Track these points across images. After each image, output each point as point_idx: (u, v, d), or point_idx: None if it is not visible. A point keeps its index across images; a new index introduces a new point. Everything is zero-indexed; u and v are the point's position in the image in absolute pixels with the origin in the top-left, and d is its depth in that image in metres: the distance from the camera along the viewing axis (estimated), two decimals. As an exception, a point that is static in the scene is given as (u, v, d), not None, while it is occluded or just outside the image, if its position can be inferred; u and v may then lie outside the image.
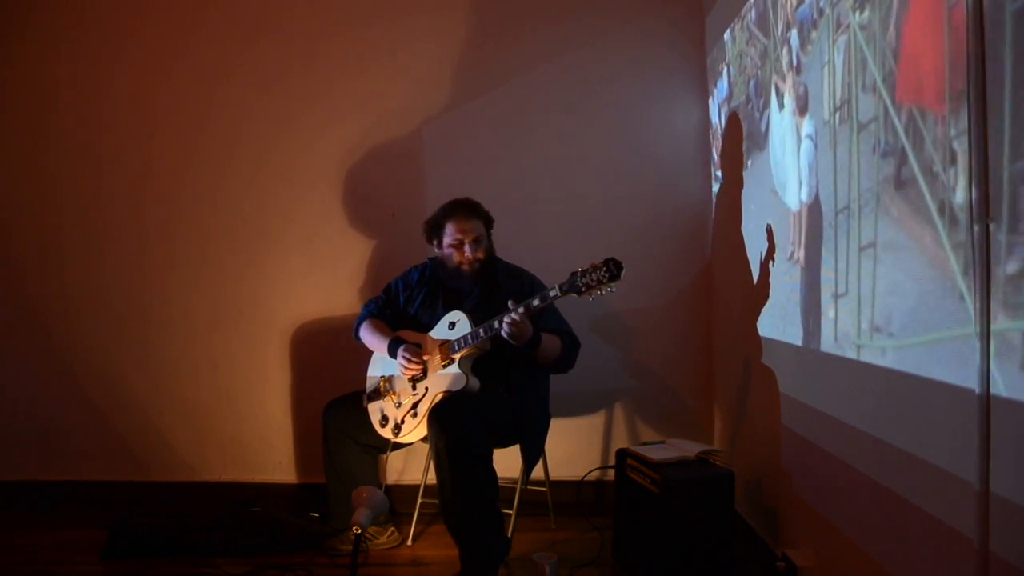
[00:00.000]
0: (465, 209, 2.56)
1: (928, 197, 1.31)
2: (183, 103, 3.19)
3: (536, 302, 2.22)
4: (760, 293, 2.37)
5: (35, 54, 3.22)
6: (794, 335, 2.08)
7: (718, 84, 2.91)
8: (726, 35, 2.76)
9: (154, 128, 3.20)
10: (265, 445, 3.19)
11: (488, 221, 2.62)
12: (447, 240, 2.55)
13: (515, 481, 2.61)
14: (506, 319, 2.23)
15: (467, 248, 2.53)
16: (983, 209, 1.17)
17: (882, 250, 1.50)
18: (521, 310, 2.23)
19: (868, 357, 1.57)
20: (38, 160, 3.23)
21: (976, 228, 1.18)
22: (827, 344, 1.80)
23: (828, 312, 1.79)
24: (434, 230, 2.60)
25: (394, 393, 2.56)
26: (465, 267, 2.55)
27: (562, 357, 2.48)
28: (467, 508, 2.22)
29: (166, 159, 3.20)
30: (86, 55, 3.21)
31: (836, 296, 1.74)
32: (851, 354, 1.65)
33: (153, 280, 3.21)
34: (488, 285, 2.57)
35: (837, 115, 1.71)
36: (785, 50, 2.08)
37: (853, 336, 1.63)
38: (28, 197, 3.23)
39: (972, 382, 1.20)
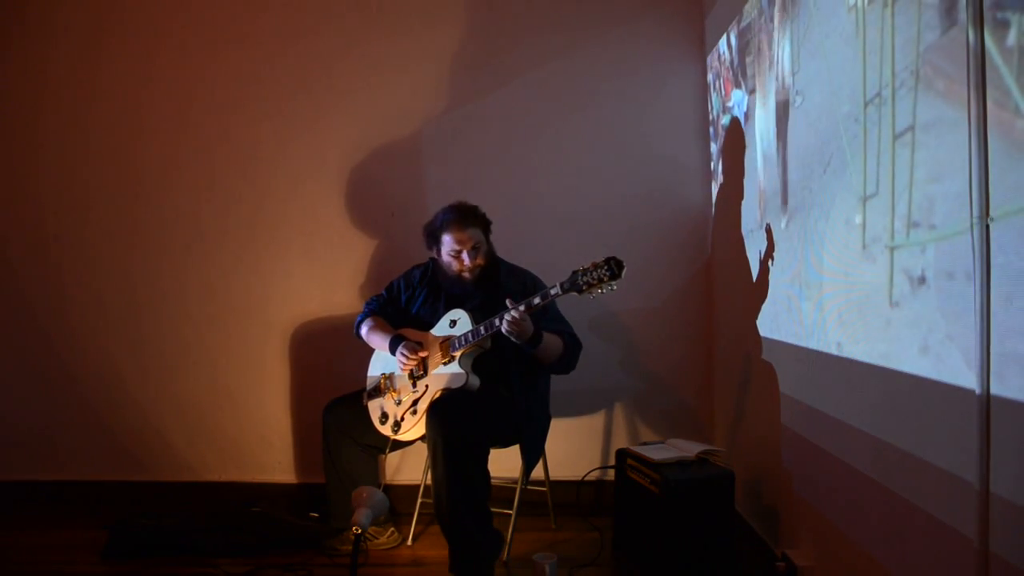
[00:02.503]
0: (460, 218, 2.53)
1: (992, 46, 1.16)
2: (180, 103, 3.19)
3: (537, 300, 2.22)
4: (760, 292, 2.37)
5: (27, 54, 3.21)
6: (792, 333, 2.08)
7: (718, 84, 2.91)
8: (722, 42, 2.78)
9: (152, 128, 3.20)
10: (265, 445, 3.19)
11: (486, 225, 2.60)
12: (445, 250, 2.55)
13: (515, 481, 2.61)
14: (506, 316, 2.24)
15: (466, 257, 2.52)
16: (983, 209, 1.17)
17: (922, 132, 1.37)
18: (522, 308, 2.23)
19: (904, 260, 1.44)
20: (31, 160, 3.22)
21: (976, 227, 1.18)
22: (853, 254, 1.67)
23: (854, 219, 1.66)
24: (431, 241, 2.60)
25: (394, 390, 2.56)
26: (466, 275, 2.54)
27: (564, 356, 2.49)
28: (459, 505, 2.23)
29: (163, 158, 3.20)
30: (80, 54, 3.20)
31: (864, 199, 1.61)
32: (883, 262, 1.52)
33: (152, 280, 3.20)
34: (490, 285, 2.57)
35: None
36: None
37: (886, 239, 1.51)
38: (22, 197, 3.23)
39: (972, 382, 1.20)
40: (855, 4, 1.66)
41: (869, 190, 1.59)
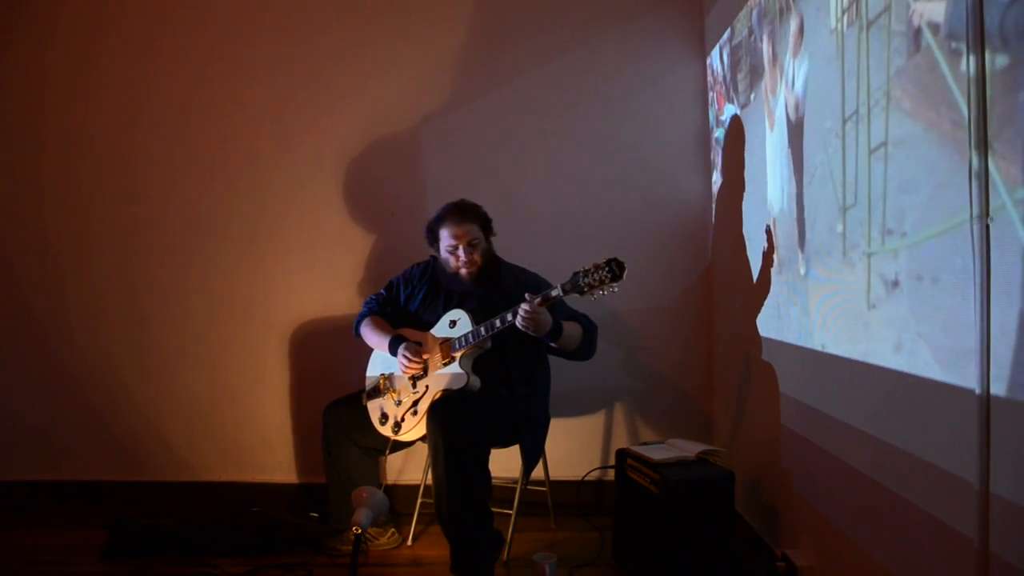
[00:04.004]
0: (457, 214, 2.53)
1: (947, 73, 1.26)
2: (178, 101, 3.19)
3: (555, 292, 2.21)
4: (760, 292, 2.37)
5: (27, 54, 3.21)
6: (790, 333, 2.09)
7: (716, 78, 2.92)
8: (715, 57, 2.81)
9: (152, 128, 3.20)
10: (265, 445, 3.19)
11: (485, 223, 2.58)
12: (442, 246, 2.55)
13: (515, 481, 2.61)
14: (520, 311, 2.23)
15: (462, 252, 2.51)
16: (983, 209, 1.18)
17: (894, 147, 1.47)
18: (537, 300, 2.22)
19: (879, 265, 1.53)
20: (31, 159, 3.22)
21: (976, 227, 1.19)
22: (835, 260, 1.77)
23: (836, 227, 1.76)
24: (430, 237, 2.60)
25: (394, 391, 2.56)
26: (463, 271, 2.54)
27: (585, 340, 2.49)
28: (460, 505, 2.23)
29: (161, 158, 3.20)
30: (80, 54, 3.20)
31: (844, 209, 1.71)
32: (861, 268, 1.62)
33: (151, 280, 3.20)
34: (491, 285, 2.57)
35: (845, 17, 1.69)
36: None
37: (864, 246, 1.61)
38: (22, 197, 3.23)
39: (972, 382, 1.21)
40: (835, 28, 1.75)
41: (848, 201, 1.69)
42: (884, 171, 1.51)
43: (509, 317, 2.29)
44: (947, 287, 1.28)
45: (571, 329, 2.44)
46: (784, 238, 2.18)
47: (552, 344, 2.40)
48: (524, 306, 2.23)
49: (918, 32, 1.35)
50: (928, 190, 1.34)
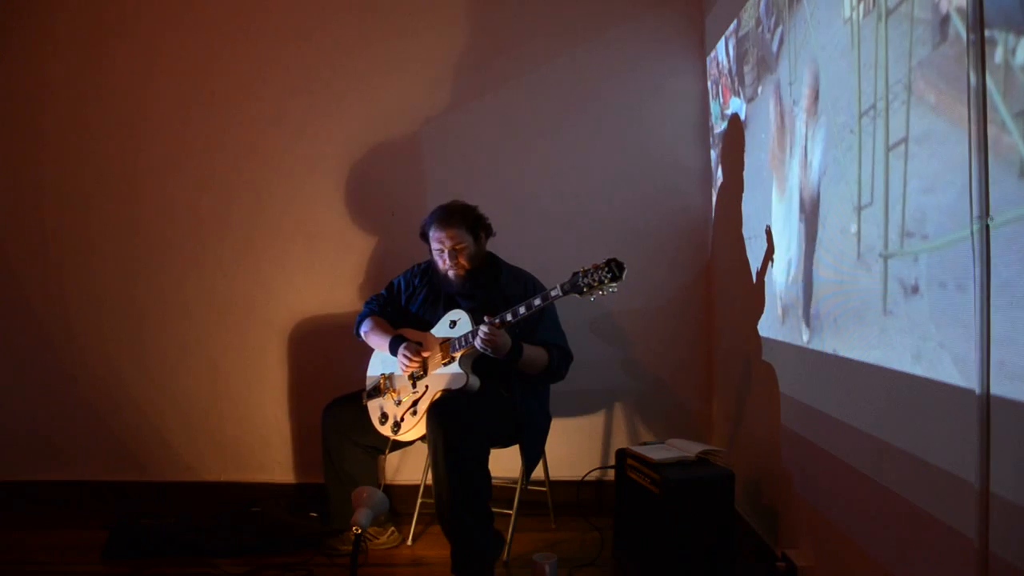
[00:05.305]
0: (442, 217, 2.51)
1: (975, 65, 1.18)
2: (179, 101, 3.19)
3: (508, 316, 2.26)
4: (760, 294, 2.37)
5: (27, 54, 3.21)
6: (791, 337, 2.09)
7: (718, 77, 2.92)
8: (720, 50, 2.79)
9: (152, 128, 3.20)
10: (264, 445, 3.19)
11: (475, 226, 2.55)
12: (432, 248, 2.57)
13: (515, 481, 2.61)
14: (480, 332, 2.25)
15: (447, 256, 2.51)
16: (983, 209, 1.18)
17: (915, 144, 1.39)
18: (497, 321, 2.26)
19: (898, 269, 1.46)
20: (32, 159, 3.22)
21: (976, 227, 1.19)
22: (849, 262, 1.69)
23: (850, 228, 1.68)
24: (423, 238, 2.61)
25: (394, 391, 2.56)
26: (450, 273, 2.54)
27: (548, 369, 2.49)
28: (460, 505, 2.23)
29: (162, 157, 3.19)
30: (79, 53, 3.20)
31: (859, 208, 1.63)
32: (877, 270, 1.54)
33: (151, 280, 3.20)
34: (491, 286, 2.57)
35: (861, 6, 1.62)
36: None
37: (880, 248, 1.53)
38: (22, 197, 3.23)
39: (972, 382, 1.20)
40: (850, 17, 1.68)
41: (864, 200, 1.61)
42: (904, 169, 1.43)
43: (470, 338, 2.31)
44: (984, 288, 1.19)
45: (534, 354, 2.43)
46: (788, 239, 2.17)
47: (510, 363, 2.39)
48: (484, 328, 2.25)
49: (946, 19, 1.27)
50: (954, 191, 1.25)
